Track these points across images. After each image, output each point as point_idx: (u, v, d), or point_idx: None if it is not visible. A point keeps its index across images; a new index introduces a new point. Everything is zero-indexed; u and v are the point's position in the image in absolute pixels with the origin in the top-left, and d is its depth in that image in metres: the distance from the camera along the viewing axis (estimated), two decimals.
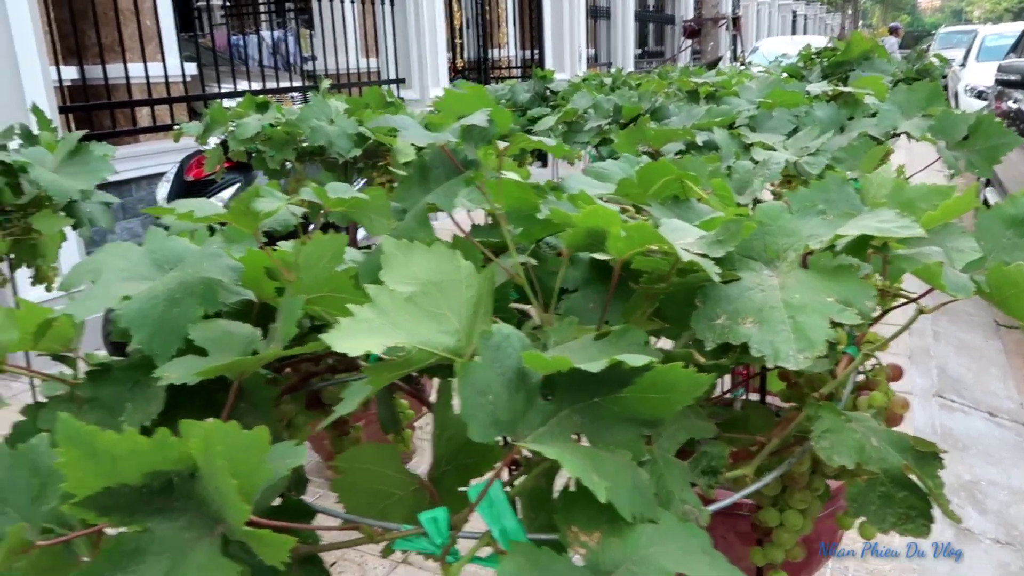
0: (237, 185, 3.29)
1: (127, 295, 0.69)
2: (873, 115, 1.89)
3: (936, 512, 0.68)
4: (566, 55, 10.02)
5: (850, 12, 35.97)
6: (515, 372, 0.54)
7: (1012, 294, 0.63)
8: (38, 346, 0.73)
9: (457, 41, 8.76)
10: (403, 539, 0.57)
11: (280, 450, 0.56)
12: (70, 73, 4.35)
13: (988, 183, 5.11)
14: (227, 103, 3.68)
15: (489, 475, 0.60)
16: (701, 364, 0.61)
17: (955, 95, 10.57)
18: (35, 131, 1.76)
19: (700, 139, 1.71)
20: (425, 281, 0.60)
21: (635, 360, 0.49)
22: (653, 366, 0.50)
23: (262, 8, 9.00)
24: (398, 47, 6.86)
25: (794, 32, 29.39)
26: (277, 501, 0.65)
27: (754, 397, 1.13)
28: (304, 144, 2.17)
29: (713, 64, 10.15)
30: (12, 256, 1.63)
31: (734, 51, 15.50)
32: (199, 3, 8.54)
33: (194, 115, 4.93)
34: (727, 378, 1.30)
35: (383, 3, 6.69)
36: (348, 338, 0.53)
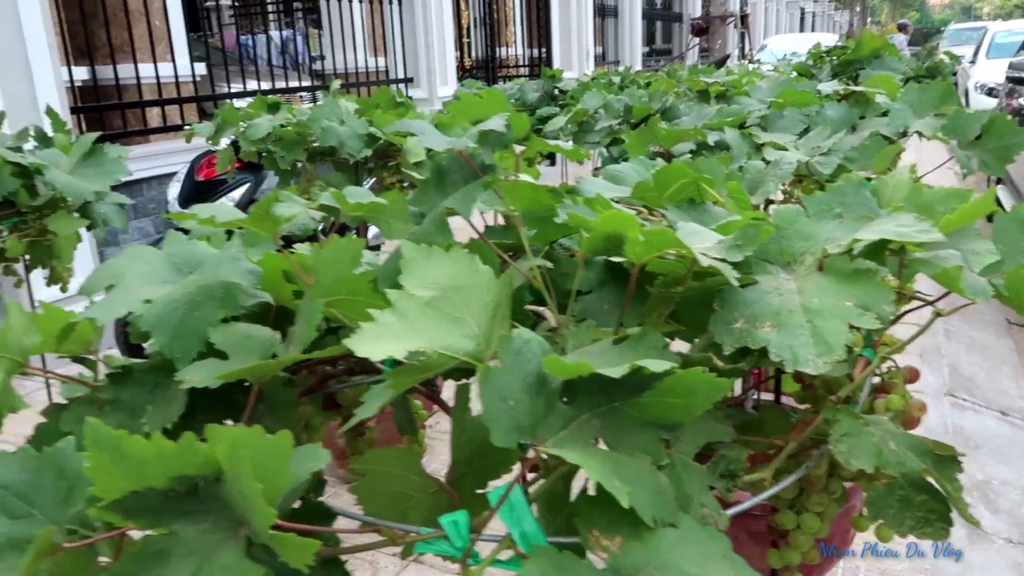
0: (247, 185, 3.30)
1: (148, 299, 0.70)
2: (884, 114, 1.88)
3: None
4: (574, 53, 10.01)
5: (859, 9, 35.81)
6: (535, 377, 0.54)
7: None
8: (60, 349, 0.74)
9: (465, 40, 8.76)
10: (423, 542, 0.58)
11: (302, 453, 0.56)
12: (81, 74, 4.38)
13: (999, 181, 5.09)
14: (237, 103, 3.69)
15: (507, 477, 0.60)
16: (719, 368, 0.61)
17: (965, 92, 10.52)
18: (49, 132, 1.77)
19: (711, 139, 1.71)
20: (445, 285, 0.60)
21: (656, 366, 0.50)
22: (674, 371, 0.51)
23: (270, 8, 9.03)
24: (406, 46, 6.87)
25: (802, 29, 29.29)
26: (296, 503, 0.66)
27: (766, 396, 1.13)
28: (315, 144, 2.18)
29: (721, 62, 10.13)
30: (28, 257, 1.64)
31: (742, 49, 15.46)
32: (208, 3, 8.57)
33: (204, 115, 4.95)
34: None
35: (391, 2, 6.70)
36: (370, 343, 0.53)
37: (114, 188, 1.67)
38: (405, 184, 2.32)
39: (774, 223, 0.69)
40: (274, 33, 8.09)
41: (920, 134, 1.70)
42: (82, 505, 0.55)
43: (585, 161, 2.87)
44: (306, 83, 6.19)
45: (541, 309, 0.86)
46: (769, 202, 1.44)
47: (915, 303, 0.77)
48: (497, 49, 8.82)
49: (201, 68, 5.00)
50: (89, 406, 0.74)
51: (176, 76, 4.65)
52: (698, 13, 17.35)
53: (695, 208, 0.80)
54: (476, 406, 0.57)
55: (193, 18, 6.61)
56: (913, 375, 0.83)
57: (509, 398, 0.52)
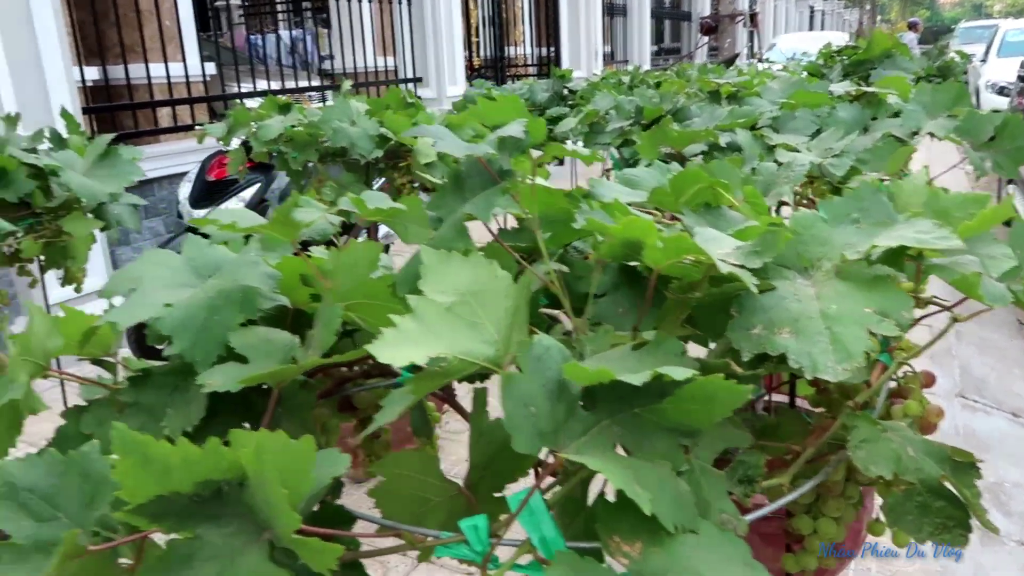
0: (258, 185, 3.31)
1: (168, 303, 0.71)
2: (896, 115, 1.87)
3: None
4: (582, 53, 10.00)
5: (868, 7, 35.63)
6: (556, 383, 0.54)
7: None
8: (81, 352, 0.75)
9: (474, 39, 8.78)
10: (443, 546, 0.58)
11: (323, 458, 0.57)
12: (92, 74, 4.40)
13: (1011, 182, 5.06)
14: (247, 103, 3.70)
15: (525, 482, 0.61)
16: (738, 375, 0.62)
17: (976, 91, 10.46)
18: (63, 134, 1.79)
19: (723, 140, 1.71)
20: (464, 291, 0.61)
21: (678, 373, 0.50)
22: (695, 378, 0.51)
23: (280, 7, 9.05)
24: (415, 46, 6.88)
25: (811, 28, 29.16)
26: (316, 507, 0.66)
27: (777, 398, 1.13)
28: (326, 145, 2.19)
29: (730, 61, 10.10)
30: (42, 258, 1.66)
31: (751, 48, 15.41)
32: (217, 2, 8.60)
33: (214, 115, 4.97)
34: None
35: (400, 2, 6.71)
36: (392, 348, 0.53)
37: (126, 188, 1.68)
38: (415, 184, 2.33)
39: (791, 228, 0.69)
40: (283, 33, 8.12)
41: (933, 135, 1.69)
42: (106, 508, 0.56)
43: (594, 162, 2.87)
44: (315, 83, 6.21)
45: (556, 313, 0.86)
46: (782, 204, 1.44)
47: (932, 308, 0.77)
48: (506, 48, 8.82)
49: (211, 68, 5.02)
50: (109, 408, 0.75)
51: (187, 76, 4.67)
52: (707, 12, 17.30)
53: (711, 212, 0.80)
54: (503, 414, 0.57)
55: (203, 18, 6.63)
56: (929, 380, 0.83)
57: (531, 404, 0.52)
